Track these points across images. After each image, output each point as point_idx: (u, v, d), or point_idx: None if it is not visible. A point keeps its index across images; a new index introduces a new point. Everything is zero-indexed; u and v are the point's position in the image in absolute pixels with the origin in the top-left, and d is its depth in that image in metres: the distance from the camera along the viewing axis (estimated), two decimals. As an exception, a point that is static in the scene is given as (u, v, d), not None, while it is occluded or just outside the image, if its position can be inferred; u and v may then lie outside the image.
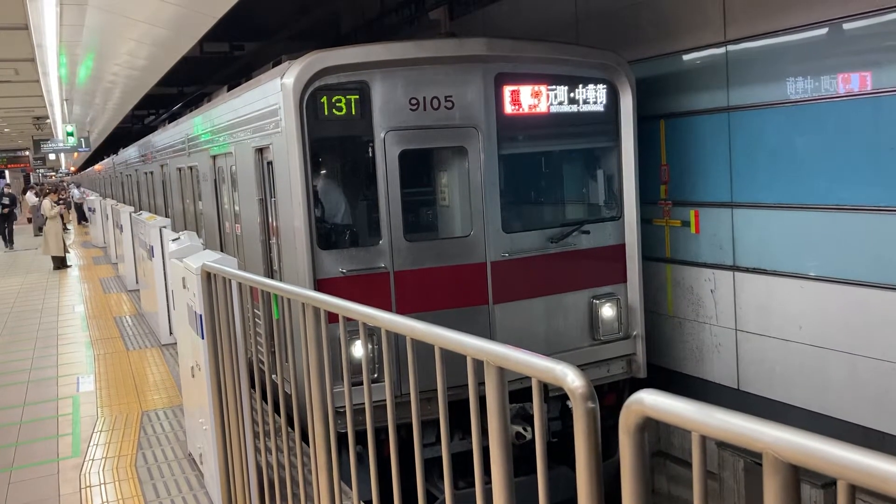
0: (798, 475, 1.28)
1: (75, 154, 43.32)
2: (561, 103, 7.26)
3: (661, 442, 8.28)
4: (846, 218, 6.41)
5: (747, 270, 7.42)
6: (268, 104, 6.97)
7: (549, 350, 7.00)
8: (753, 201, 7.27)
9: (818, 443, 1.20)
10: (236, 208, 8.80)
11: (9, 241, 26.59)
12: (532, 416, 6.79)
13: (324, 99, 6.50)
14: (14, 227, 27.92)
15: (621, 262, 7.74)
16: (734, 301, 7.59)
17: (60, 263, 19.55)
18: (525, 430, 6.66)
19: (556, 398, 7.05)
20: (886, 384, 6.21)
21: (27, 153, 43.10)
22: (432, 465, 6.10)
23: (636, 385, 7.36)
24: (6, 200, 26.96)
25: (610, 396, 7.53)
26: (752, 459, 6.87)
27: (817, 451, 1.19)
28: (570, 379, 1.78)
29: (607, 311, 7.56)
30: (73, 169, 66.52)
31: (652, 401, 1.52)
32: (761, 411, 6.58)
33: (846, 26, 6.29)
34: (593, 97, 7.43)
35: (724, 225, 7.60)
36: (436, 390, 2.41)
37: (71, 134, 25.57)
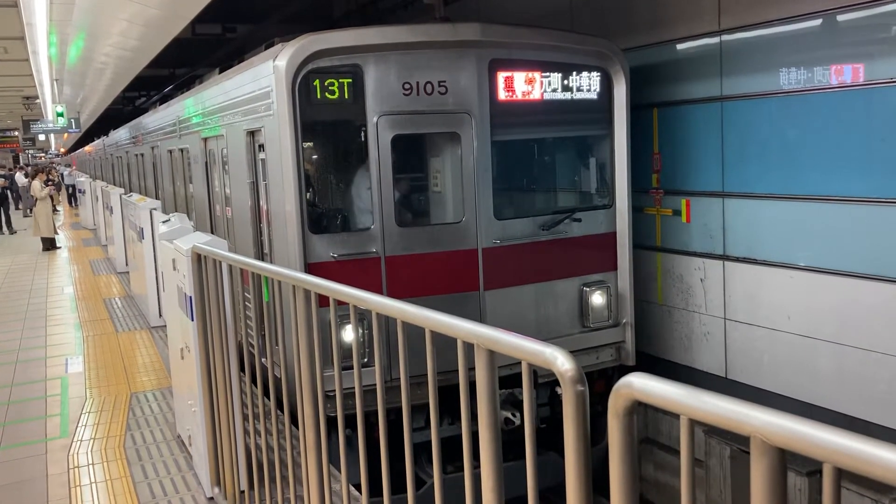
0: (785, 459, 1.29)
1: (65, 135, 43.02)
2: (555, 90, 7.25)
3: (648, 429, 8.33)
4: (836, 209, 6.44)
5: (737, 260, 7.45)
6: (260, 87, 6.93)
7: (539, 337, 7.00)
8: (745, 191, 7.29)
9: (805, 427, 1.21)
10: (227, 191, 8.77)
11: (7, 225, 25.10)
12: (521, 402, 6.84)
13: (316, 82, 6.47)
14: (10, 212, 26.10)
15: (612, 250, 7.75)
16: (724, 290, 7.63)
17: (50, 245, 19.46)
18: (514, 415, 6.69)
19: (545, 384, 7.09)
20: (873, 374, 6.26)
21: (16, 133, 42.79)
22: (420, 450, 6.13)
23: (625, 373, 7.38)
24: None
25: (599, 384, 7.56)
26: (738, 447, 6.92)
27: (805, 435, 1.20)
28: (560, 362, 1.78)
29: (597, 298, 7.59)
30: (62, 150, 66.02)
31: (641, 384, 1.52)
32: (748, 400, 6.61)
33: (839, 18, 6.30)
34: (587, 85, 7.42)
35: (715, 214, 7.62)
36: (425, 375, 2.41)
37: (61, 114, 25.40)
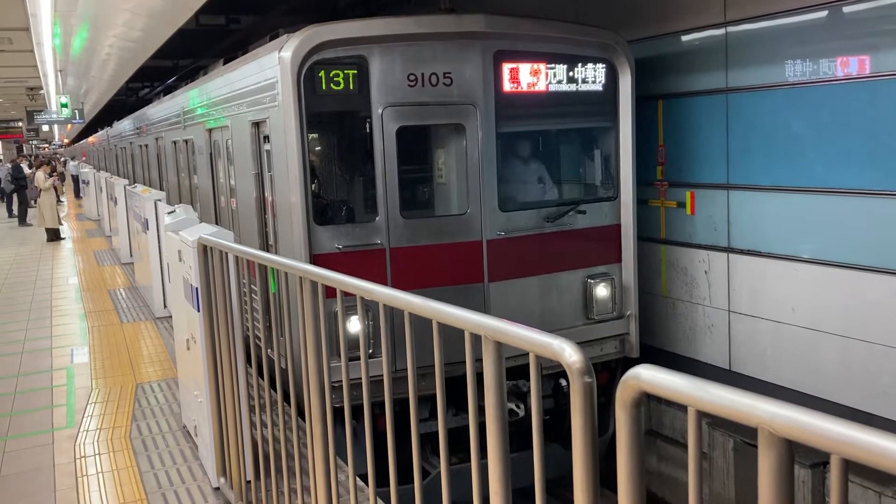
0: (793, 451, 1.30)
1: (69, 126, 43.02)
2: (560, 82, 7.24)
3: (651, 421, 8.34)
4: (841, 201, 6.43)
5: (742, 252, 7.44)
6: (265, 78, 6.93)
7: (543, 329, 7.02)
8: (749, 183, 7.28)
9: (814, 418, 1.21)
10: (232, 182, 8.78)
11: (18, 218, 24.46)
12: (524, 394, 6.85)
13: (322, 73, 6.47)
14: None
15: (616, 242, 7.75)
16: (728, 282, 7.63)
17: (54, 235, 19.50)
18: (517, 407, 6.70)
19: (548, 376, 7.09)
20: (877, 367, 6.27)
21: (20, 124, 42.81)
22: (424, 441, 6.15)
23: (629, 364, 7.39)
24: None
25: (603, 375, 7.58)
26: (741, 439, 6.94)
27: (813, 427, 1.21)
28: (568, 354, 1.79)
29: (601, 290, 7.59)
30: (66, 141, 66.03)
31: (649, 376, 1.53)
32: (752, 392, 6.61)
33: (846, 9, 6.27)
34: (592, 76, 7.40)
35: (720, 206, 7.61)
36: (430, 366, 2.42)
37: (65, 105, 25.38)
